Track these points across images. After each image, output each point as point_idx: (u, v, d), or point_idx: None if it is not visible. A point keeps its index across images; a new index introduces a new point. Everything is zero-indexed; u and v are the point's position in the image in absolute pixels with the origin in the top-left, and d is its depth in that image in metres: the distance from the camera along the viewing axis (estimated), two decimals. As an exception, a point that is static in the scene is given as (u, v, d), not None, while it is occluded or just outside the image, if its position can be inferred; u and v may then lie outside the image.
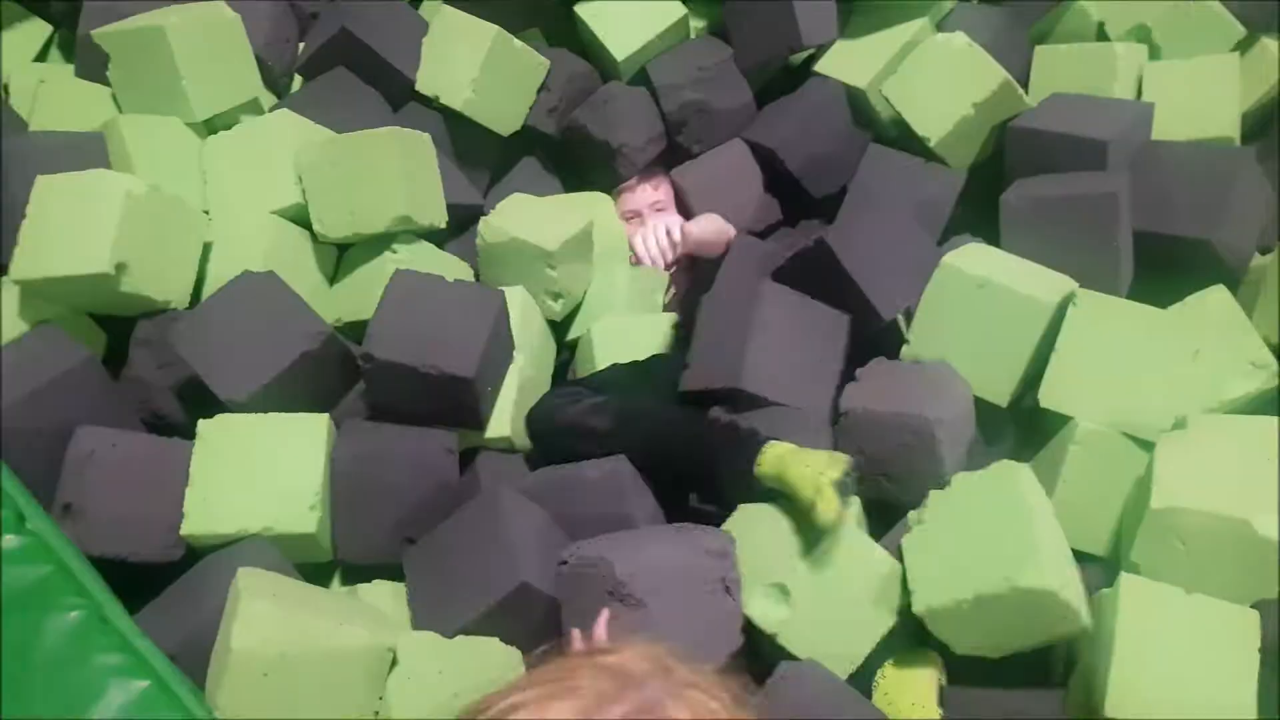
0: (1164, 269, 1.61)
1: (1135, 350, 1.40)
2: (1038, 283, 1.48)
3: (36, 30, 1.96)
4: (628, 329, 1.70)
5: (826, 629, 1.24)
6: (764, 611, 1.25)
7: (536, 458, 1.53)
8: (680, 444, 1.40)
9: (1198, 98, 1.83)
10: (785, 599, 1.25)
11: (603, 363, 1.65)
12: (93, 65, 1.75)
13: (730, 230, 1.79)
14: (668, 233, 1.83)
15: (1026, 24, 2.02)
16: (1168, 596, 1.20)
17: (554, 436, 1.51)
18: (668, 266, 1.87)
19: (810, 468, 1.23)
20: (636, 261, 1.87)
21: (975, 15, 1.96)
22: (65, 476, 1.33)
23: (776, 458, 1.27)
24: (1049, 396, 1.43)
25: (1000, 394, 1.48)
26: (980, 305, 1.47)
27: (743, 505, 1.32)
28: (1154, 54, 1.96)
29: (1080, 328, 1.43)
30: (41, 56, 1.96)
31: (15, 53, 1.91)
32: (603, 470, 1.39)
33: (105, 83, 1.75)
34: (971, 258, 1.52)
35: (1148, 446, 1.37)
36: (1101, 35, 2.06)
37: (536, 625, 1.24)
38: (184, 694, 1.08)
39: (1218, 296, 1.52)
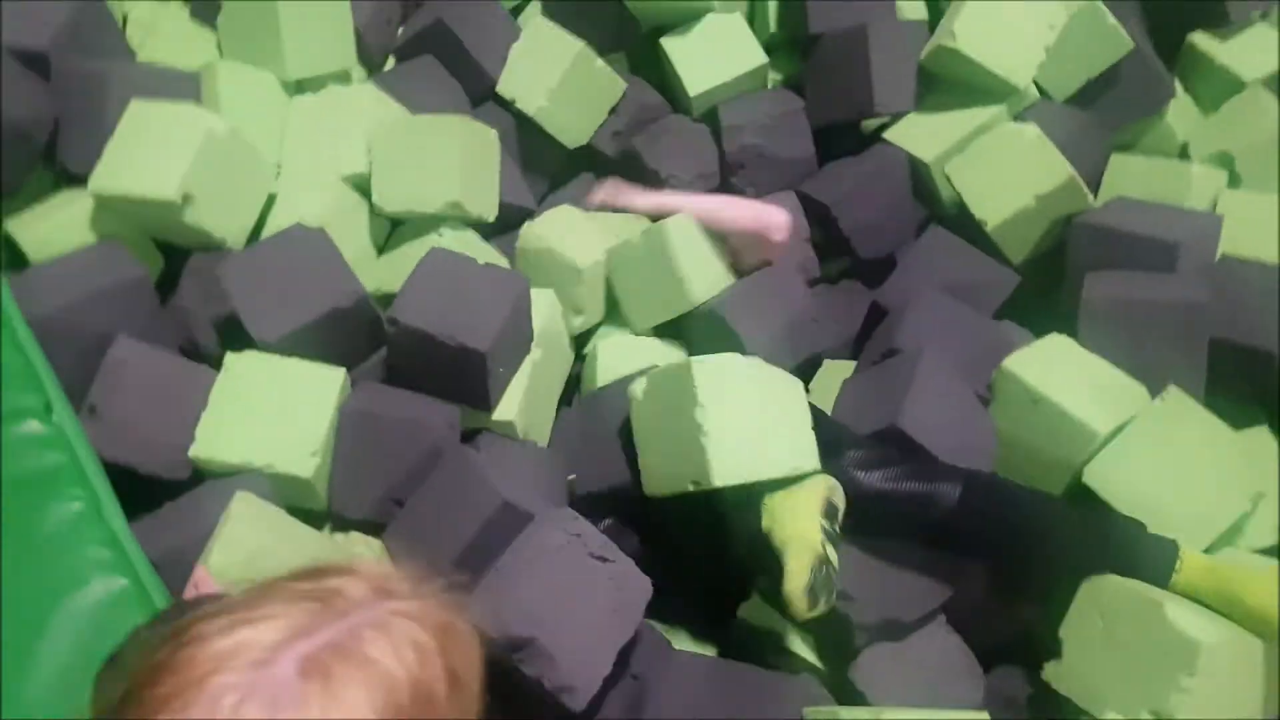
0: (1221, 380, 1.70)
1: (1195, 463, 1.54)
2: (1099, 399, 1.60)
3: (160, -31, 2.18)
4: (633, 348, 1.82)
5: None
6: None
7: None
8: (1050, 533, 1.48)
9: (1271, 231, 1.89)
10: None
11: (604, 378, 1.75)
12: (206, 10, 1.99)
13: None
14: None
15: (1108, 132, 2.12)
16: None
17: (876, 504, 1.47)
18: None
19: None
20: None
21: (1056, 113, 2.06)
22: (98, 380, 1.49)
23: None
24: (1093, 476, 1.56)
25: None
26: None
27: None
28: (1233, 182, 2.05)
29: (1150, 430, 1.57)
30: (162, -6, 2.18)
31: (138, -13, 2.13)
32: None
33: (214, 28, 1.97)
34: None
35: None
36: (1184, 156, 2.15)
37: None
38: (158, 599, 1.23)
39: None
